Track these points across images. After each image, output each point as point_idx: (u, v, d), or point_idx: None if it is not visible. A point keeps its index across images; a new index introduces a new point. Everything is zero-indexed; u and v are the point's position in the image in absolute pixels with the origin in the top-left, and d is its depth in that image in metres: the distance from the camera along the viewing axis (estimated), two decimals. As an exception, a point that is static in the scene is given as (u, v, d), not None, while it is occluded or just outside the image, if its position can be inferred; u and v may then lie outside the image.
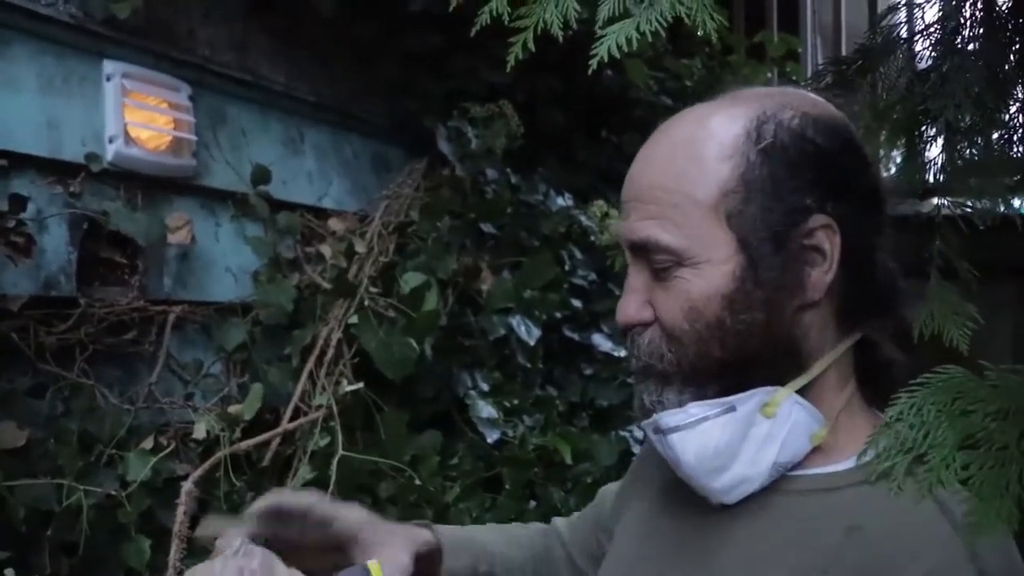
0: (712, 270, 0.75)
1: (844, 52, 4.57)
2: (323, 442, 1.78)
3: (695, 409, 0.76)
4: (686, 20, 1.17)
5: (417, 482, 1.86)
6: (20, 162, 1.66)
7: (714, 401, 0.76)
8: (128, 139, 1.84)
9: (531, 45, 1.34)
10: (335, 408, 1.82)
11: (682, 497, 0.82)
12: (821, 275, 0.76)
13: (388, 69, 2.51)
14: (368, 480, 1.88)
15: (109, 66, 1.84)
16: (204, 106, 2.04)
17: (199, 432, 1.71)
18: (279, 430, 1.81)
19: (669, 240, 0.75)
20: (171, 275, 1.96)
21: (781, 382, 0.77)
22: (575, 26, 1.32)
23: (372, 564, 0.94)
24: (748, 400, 0.75)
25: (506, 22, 1.41)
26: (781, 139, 0.75)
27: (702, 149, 0.76)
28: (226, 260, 2.09)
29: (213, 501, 1.70)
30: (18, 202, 1.51)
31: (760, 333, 0.76)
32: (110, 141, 1.82)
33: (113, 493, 1.57)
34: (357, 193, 2.47)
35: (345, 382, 1.89)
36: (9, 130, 1.65)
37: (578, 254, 2.54)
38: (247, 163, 2.15)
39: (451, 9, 1.41)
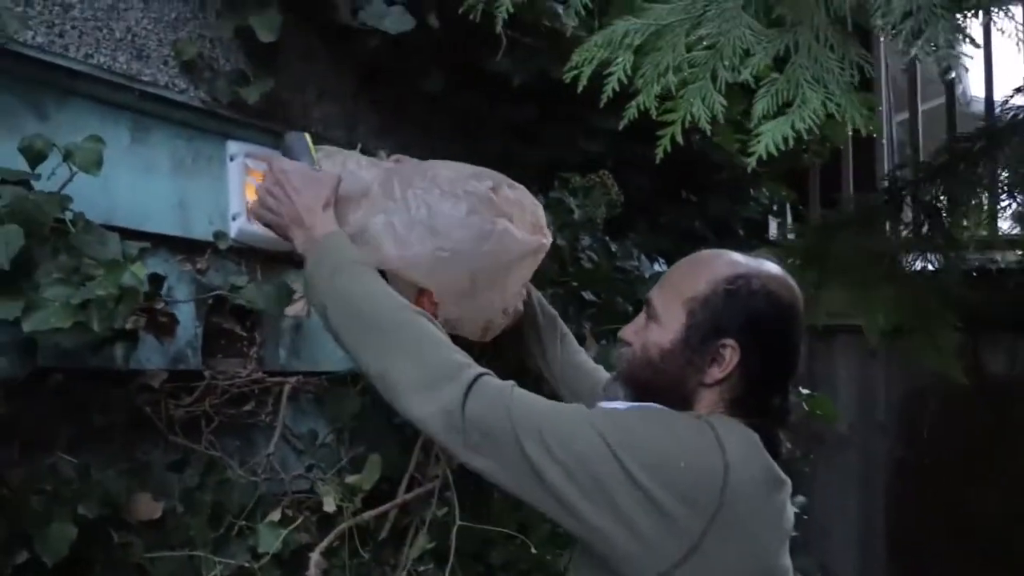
0: (664, 331, 1.24)
1: (920, 109, 4.56)
2: (440, 512, 1.80)
3: (618, 404, 1.27)
4: (836, 115, 1.19)
5: (533, 551, 1.86)
6: (156, 242, 1.74)
7: (629, 404, 1.26)
8: (249, 216, 1.92)
9: (679, 138, 1.37)
10: (451, 478, 1.84)
11: None
12: (716, 372, 1.21)
13: (488, 141, 2.57)
14: (481, 548, 1.88)
15: (233, 146, 1.92)
16: (317, 182, 2.11)
17: (328, 505, 1.74)
18: (398, 501, 1.84)
19: (656, 304, 1.27)
20: (286, 346, 2.01)
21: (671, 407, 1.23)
22: (721, 119, 1.35)
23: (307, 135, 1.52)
24: (649, 408, 1.24)
25: (654, 116, 1.46)
26: (741, 289, 1.22)
27: (703, 270, 1.25)
28: (337, 330, 2.14)
29: (335, 572, 1.72)
30: (157, 281, 1.58)
31: (670, 380, 1.24)
32: (233, 218, 1.90)
33: (246, 565, 1.61)
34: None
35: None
36: (147, 212, 1.74)
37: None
38: (356, 235, 2.21)
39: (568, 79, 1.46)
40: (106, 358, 1.45)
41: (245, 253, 1.93)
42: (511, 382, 1.23)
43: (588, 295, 2.32)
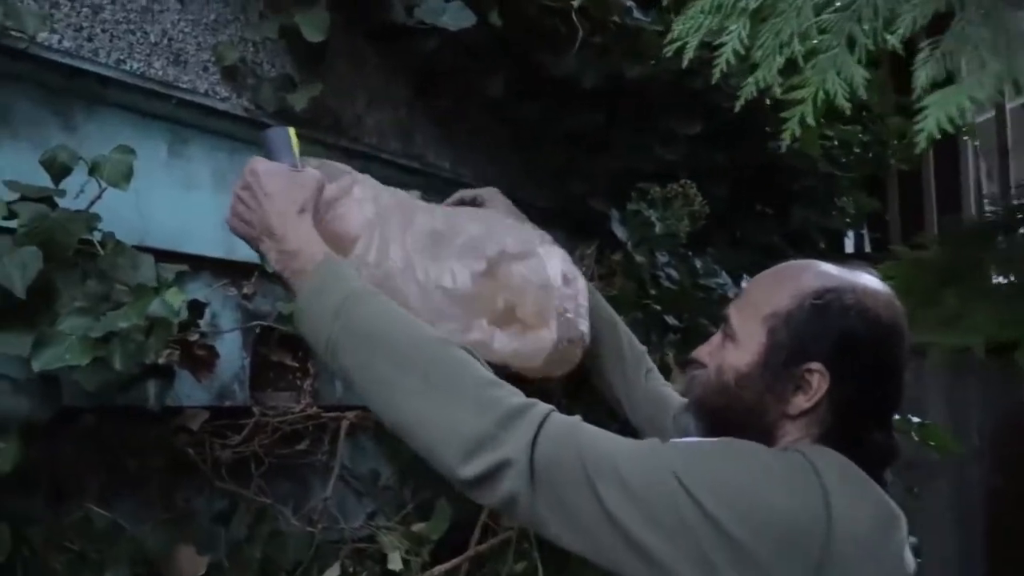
0: (742, 352, 1.07)
1: (1007, 106, 4.23)
2: (518, 566, 1.58)
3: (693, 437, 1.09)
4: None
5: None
6: (197, 265, 1.56)
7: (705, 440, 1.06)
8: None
9: (810, 119, 1.16)
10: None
11: None
12: (802, 401, 1.03)
13: (551, 150, 2.38)
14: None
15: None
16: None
17: (394, 562, 1.53)
18: (470, 553, 1.63)
19: (733, 321, 1.09)
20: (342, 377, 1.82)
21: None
22: (863, 94, 1.13)
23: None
24: None
25: (778, 93, 1.25)
26: (831, 305, 1.03)
27: (788, 283, 1.08)
28: (396, 359, 1.94)
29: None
30: (197, 309, 1.40)
31: (747, 409, 1.06)
32: (282, 238, 1.72)
33: (301, 629, 1.42)
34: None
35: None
36: (187, 232, 1.57)
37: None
38: (415, 255, 2.02)
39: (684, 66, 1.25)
40: (137, 396, 1.27)
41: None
42: (577, 417, 1.02)
43: (671, 319, 2.09)
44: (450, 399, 0.98)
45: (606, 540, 0.93)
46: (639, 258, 2.09)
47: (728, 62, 1.20)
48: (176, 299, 1.23)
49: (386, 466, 1.85)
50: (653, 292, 2.10)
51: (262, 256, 1.16)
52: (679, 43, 1.13)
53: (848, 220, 3.28)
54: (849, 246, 4.25)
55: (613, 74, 2.13)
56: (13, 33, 1.33)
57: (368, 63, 2.00)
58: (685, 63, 1.13)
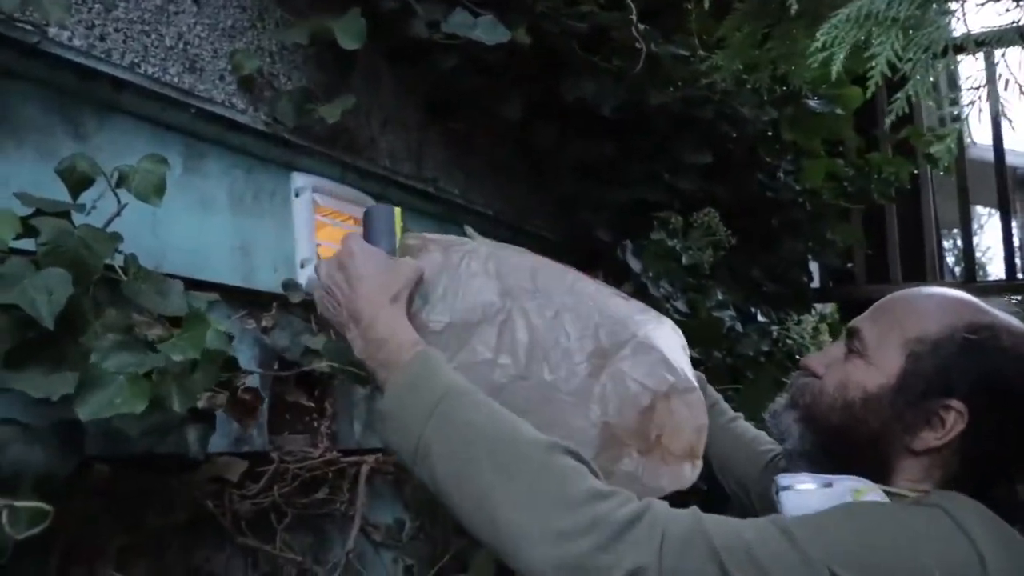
0: (873, 372, 0.99)
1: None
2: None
3: (803, 476, 0.98)
4: None
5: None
6: (215, 293, 1.40)
7: (818, 476, 0.98)
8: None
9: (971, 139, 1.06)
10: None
11: None
12: (931, 438, 0.95)
13: (560, 178, 2.27)
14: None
15: (299, 179, 1.60)
16: (387, 223, 1.78)
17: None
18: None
19: (867, 336, 1.02)
20: (360, 418, 1.66)
21: (863, 476, 0.96)
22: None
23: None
24: (843, 482, 0.96)
25: (932, 106, 1.15)
26: (986, 343, 0.95)
27: (938, 310, 1.00)
28: (412, 398, 1.79)
29: None
30: (228, 344, 1.23)
31: (867, 435, 0.98)
32: (301, 266, 1.57)
33: None
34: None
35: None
36: (204, 257, 1.40)
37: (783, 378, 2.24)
38: (429, 285, 1.88)
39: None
40: (175, 444, 1.10)
41: (313, 307, 1.59)
42: (694, 508, 0.89)
43: (694, 352, 1.99)
44: (559, 511, 0.85)
45: None
46: (655, 292, 1.98)
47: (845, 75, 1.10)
48: (221, 331, 1.08)
49: (402, 513, 1.70)
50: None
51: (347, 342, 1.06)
52: (826, 53, 1.03)
53: (835, 254, 3.26)
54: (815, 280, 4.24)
55: (632, 101, 2.04)
56: (23, 25, 1.17)
57: (384, 82, 1.87)
58: (834, 76, 1.03)
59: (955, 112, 1.12)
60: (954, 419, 0.95)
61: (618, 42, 1.99)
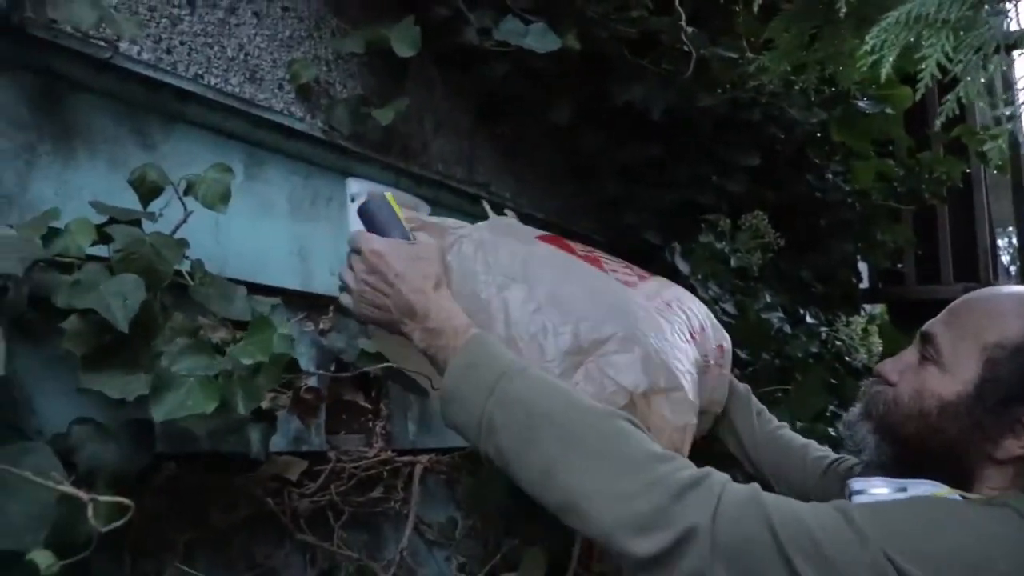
0: (949, 380, 0.97)
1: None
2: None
3: (877, 481, 0.97)
4: None
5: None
6: (275, 297, 1.44)
7: (892, 480, 0.96)
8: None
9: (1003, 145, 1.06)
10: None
11: None
12: (1015, 447, 0.93)
13: (607, 181, 2.29)
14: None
15: (354, 185, 1.64)
16: (439, 227, 1.81)
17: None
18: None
19: (942, 342, 0.99)
20: (414, 419, 1.70)
21: (945, 482, 0.94)
22: None
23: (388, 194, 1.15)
24: (918, 487, 0.94)
25: (984, 108, 1.16)
26: None
27: (1015, 309, 0.97)
28: (463, 399, 1.82)
29: None
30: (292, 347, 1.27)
31: (946, 444, 0.96)
32: (357, 269, 1.60)
33: None
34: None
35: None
36: (264, 260, 1.45)
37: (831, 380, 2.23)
38: (480, 288, 1.91)
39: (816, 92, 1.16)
40: (238, 443, 1.14)
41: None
42: (754, 484, 0.92)
43: (744, 354, 2.00)
44: (620, 474, 0.89)
45: None
46: (708, 292, 1.99)
47: (878, 80, 1.11)
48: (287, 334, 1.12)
49: (455, 511, 1.73)
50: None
51: (401, 336, 1.10)
52: (875, 56, 1.04)
53: (884, 255, 3.23)
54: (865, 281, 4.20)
55: (681, 104, 2.05)
56: (98, 42, 1.22)
57: (436, 88, 1.90)
58: (883, 78, 1.04)
59: (1008, 112, 1.11)
60: None
61: (667, 46, 2.00)
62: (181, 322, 1.14)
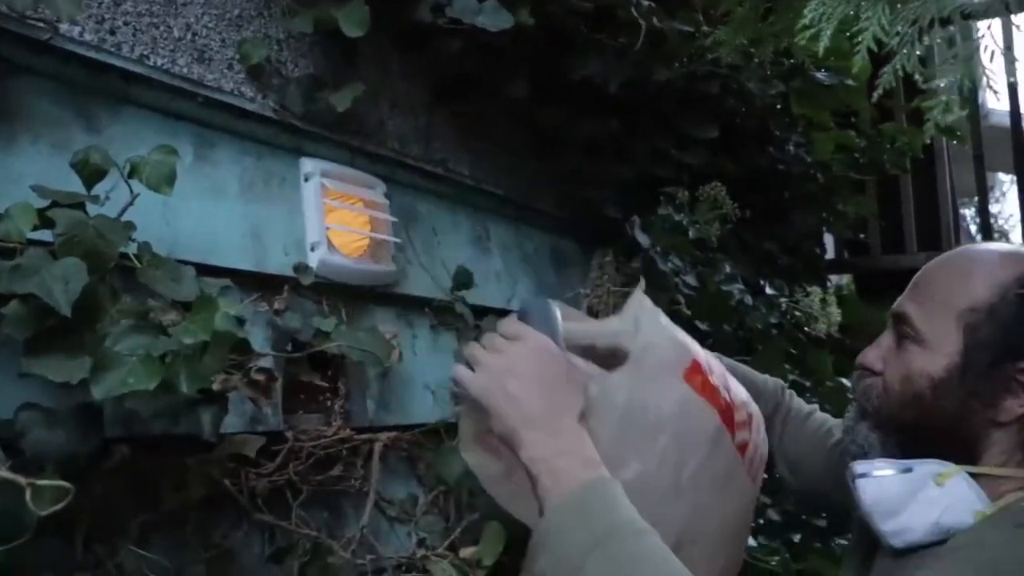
0: (933, 356, 0.95)
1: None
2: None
3: (880, 463, 0.96)
4: None
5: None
6: (226, 278, 1.44)
7: (896, 461, 0.95)
8: (331, 246, 1.62)
9: (956, 110, 1.08)
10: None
11: (869, 540, 1.00)
12: (1015, 405, 0.92)
13: (566, 156, 2.29)
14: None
15: (308, 164, 1.63)
16: (396, 204, 1.81)
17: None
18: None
19: (915, 320, 0.97)
20: (373, 397, 1.71)
21: (952, 461, 0.93)
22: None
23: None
24: (923, 466, 0.93)
25: (920, 83, 1.17)
26: None
27: (979, 273, 0.95)
28: (424, 376, 1.83)
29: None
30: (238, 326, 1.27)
31: (947, 420, 0.95)
32: (312, 249, 1.60)
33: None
34: (542, 292, 2.23)
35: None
36: (215, 243, 1.44)
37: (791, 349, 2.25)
38: (439, 265, 1.92)
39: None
40: (189, 425, 1.15)
41: (326, 290, 1.63)
42: None
43: (704, 325, 2.02)
44: None
45: None
46: (668, 265, 2.01)
47: (821, 52, 1.12)
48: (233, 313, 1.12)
49: (416, 488, 1.74)
50: (681, 299, 2.03)
51: (501, 438, 0.96)
52: (813, 30, 1.04)
53: (848, 226, 3.26)
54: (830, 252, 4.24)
55: (638, 77, 2.05)
56: (36, 23, 1.20)
57: (391, 66, 1.89)
58: (820, 52, 1.05)
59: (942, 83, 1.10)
60: None
61: (622, 20, 2.00)
62: (128, 305, 1.13)
